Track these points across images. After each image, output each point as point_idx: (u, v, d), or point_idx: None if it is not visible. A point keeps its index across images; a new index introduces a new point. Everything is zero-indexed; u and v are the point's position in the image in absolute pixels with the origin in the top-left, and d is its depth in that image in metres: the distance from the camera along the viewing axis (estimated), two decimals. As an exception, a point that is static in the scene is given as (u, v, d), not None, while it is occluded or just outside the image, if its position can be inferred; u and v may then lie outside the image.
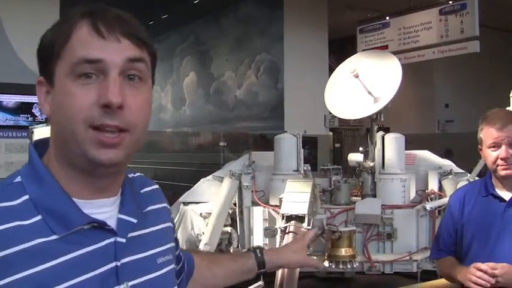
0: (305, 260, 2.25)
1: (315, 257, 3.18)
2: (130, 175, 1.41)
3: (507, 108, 4.74)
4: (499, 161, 2.75)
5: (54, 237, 1.15)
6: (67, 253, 1.16)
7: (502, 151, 2.73)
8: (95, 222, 1.21)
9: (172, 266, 1.43)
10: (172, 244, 1.46)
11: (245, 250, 2.09)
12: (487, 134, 2.79)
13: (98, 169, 1.21)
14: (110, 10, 1.23)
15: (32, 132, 4.95)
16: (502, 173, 2.76)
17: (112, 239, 1.24)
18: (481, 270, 2.66)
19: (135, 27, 1.24)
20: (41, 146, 1.28)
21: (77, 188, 1.22)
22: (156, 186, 1.49)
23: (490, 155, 2.80)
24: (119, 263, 1.24)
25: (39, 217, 1.15)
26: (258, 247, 2.02)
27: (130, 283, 1.25)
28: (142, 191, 1.42)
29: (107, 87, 1.16)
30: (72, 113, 1.16)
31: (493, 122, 2.78)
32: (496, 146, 2.76)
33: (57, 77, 1.19)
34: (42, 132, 4.64)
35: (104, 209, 1.25)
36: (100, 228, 1.22)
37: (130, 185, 1.36)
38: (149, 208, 1.40)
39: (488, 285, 2.63)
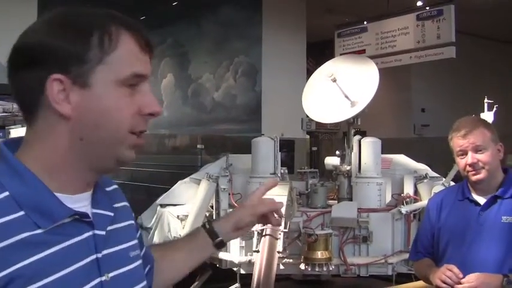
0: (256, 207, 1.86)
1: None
2: None
3: (481, 114, 4.81)
4: (468, 168, 2.82)
5: (39, 230, 1.18)
6: (54, 245, 1.19)
7: (469, 157, 2.80)
8: (77, 215, 1.25)
9: (141, 260, 1.48)
10: (136, 241, 1.50)
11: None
12: (455, 142, 2.86)
13: (117, 168, 1.34)
14: (138, 22, 1.33)
15: (9, 133, 4.92)
16: (473, 178, 2.83)
17: (91, 232, 1.28)
18: (452, 271, 2.71)
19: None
20: (12, 144, 1.30)
21: (67, 184, 1.27)
22: (117, 186, 1.54)
23: (459, 162, 2.87)
24: (100, 255, 1.28)
25: (22, 212, 1.17)
26: (208, 220, 1.97)
27: (110, 274, 1.30)
28: (106, 189, 1.46)
29: (150, 98, 1.31)
30: (119, 120, 1.26)
31: (458, 130, 2.85)
32: (463, 153, 2.82)
33: (98, 81, 1.23)
34: (17, 132, 4.62)
35: (80, 204, 1.29)
36: (80, 221, 1.26)
37: (98, 183, 1.40)
38: (116, 205, 1.44)
39: (453, 284, 2.68)
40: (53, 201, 1.22)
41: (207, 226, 1.84)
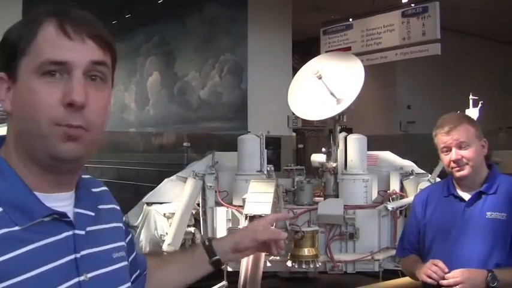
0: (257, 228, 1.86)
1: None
2: (83, 175, 1.43)
3: (466, 110, 4.83)
4: (452, 164, 2.83)
5: (16, 228, 1.17)
6: (30, 243, 1.18)
7: (453, 154, 2.81)
8: (55, 214, 1.24)
9: (126, 262, 1.47)
10: (123, 243, 1.50)
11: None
12: (439, 139, 2.88)
13: (59, 165, 1.25)
14: (75, 10, 1.26)
15: (-6, 131, 4.91)
16: (457, 174, 2.84)
17: (70, 232, 1.27)
18: (437, 266, 2.73)
19: (100, 28, 1.27)
20: None
21: (37, 181, 1.25)
22: (105, 188, 1.52)
23: (444, 159, 2.88)
24: (78, 255, 1.27)
25: (0, 209, 1.17)
26: (208, 237, 1.93)
27: (89, 275, 1.29)
28: (93, 190, 1.44)
29: (72, 86, 1.20)
30: (37, 111, 1.19)
31: (442, 126, 2.86)
32: (447, 149, 2.84)
33: (21, 73, 1.22)
34: (2, 131, 4.61)
35: (61, 203, 1.28)
36: (59, 220, 1.26)
37: (83, 183, 1.39)
38: (101, 206, 1.43)
39: (439, 279, 2.70)
40: (31, 199, 1.22)
41: (206, 243, 1.82)
